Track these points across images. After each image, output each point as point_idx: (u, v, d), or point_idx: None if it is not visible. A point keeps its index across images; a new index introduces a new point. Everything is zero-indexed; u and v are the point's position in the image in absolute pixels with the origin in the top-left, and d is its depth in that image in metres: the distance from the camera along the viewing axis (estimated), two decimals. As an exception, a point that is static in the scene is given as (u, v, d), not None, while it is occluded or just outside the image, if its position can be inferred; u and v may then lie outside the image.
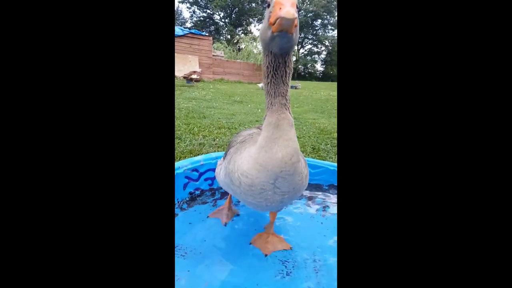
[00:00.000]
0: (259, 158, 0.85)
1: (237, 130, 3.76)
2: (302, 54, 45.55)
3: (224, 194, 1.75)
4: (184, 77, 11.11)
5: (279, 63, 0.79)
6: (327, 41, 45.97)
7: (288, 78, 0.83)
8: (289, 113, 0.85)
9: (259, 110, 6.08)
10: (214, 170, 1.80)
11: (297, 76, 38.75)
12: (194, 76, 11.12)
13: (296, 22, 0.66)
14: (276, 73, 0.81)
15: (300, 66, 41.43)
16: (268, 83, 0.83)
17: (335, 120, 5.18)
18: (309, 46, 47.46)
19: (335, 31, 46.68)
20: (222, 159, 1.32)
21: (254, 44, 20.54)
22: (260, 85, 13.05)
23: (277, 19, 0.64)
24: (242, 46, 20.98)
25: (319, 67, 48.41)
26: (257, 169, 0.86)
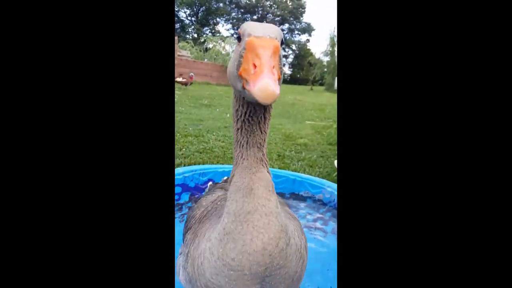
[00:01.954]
0: (226, 256, 0.57)
1: (205, 138, 3.74)
2: (270, 57, 46.53)
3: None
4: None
5: (256, 110, 0.59)
6: (294, 45, 47.82)
7: (267, 124, 0.62)
8: (268, 172, 0.63)
9: (228, 115, 6.11)
10: (181, 185, 1.81)
11: (265, 78, 39.56)
12: (179, 79, 10.34)
13: (279, 90, 0.44)
14: (250, 118, 0.60)
15: (268, 68, 42.30)
16: (239, 129, 0.61)
17: (300, 126, 5.49)
18: (277, 49, 48.67)
19: (302, 36, 48.89)
20: (182, 244, 0.89)
21: (222, 45, 20.36)
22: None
23: (249, 86, 0.46)
24: (210, 46, 20.60)
25: (286, 70, 50.09)
26: (226, 275, 0.57)
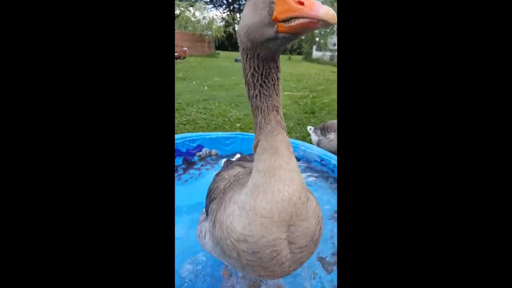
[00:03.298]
0: (257, 205, 0.63)
1: (186, 111, 3.82)
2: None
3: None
4: None
5: (270, 68, 0.61)
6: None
7: (280, 86, 0.65)
8: (286, 134, 0.67)
9: (206, 88, 6.07)
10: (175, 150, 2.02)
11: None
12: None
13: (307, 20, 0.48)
14: (266, 81, 0.62)
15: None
16: (257, 95, 0.64)
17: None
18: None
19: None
20: (203, 212, 1.01)
21: (191, 11, 18.73)
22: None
23: (299, 17, 0.48)
24: (177, 12, 18.73)
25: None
26: (258, 224, 0.63)
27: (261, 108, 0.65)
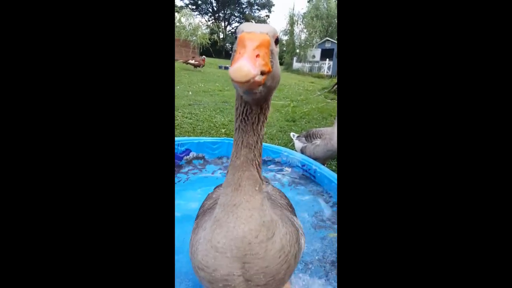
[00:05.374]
0: (213, 239, 0.66)
1: (171, 114, 3.84)
2: (230, 32, 44.71)
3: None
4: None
5: (251, 110, 0.62)
6: (253, 21, 46.57)
7: (261, 127, 0.65)
8: (257, 172, 0.67)
9: (190, 93, 6.10)
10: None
11: (225, 54, 38.17)
12: (192, 62, 10.13)
13: (261, 78, 0.47)
14: (246, 118, 0.63)
15: (228, 45, 40.75)
16: (237, 128, 0.65)
17: (261, 104, 5.88)
18: (236, 24, 46.93)
19: (262, 11, 47.70)
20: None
21: (177, 17, 18.70)
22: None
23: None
24: (162, 16, 18.57)
25: (245, 47, 48.83)
26: (213, 256, 0.66)
27: (236, 142, 0.66)
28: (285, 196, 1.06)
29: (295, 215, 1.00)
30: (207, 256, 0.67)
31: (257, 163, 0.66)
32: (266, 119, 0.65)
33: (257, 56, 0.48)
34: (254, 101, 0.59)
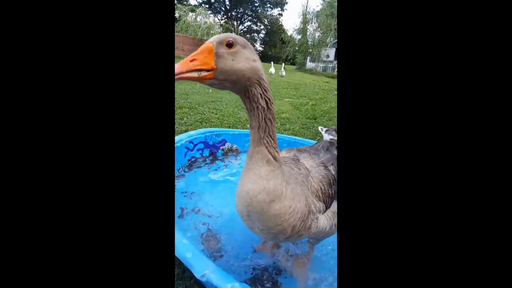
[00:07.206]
0: (238, 186, 0.88)
1: (197, 110, 4.03)
2: (242, 31, 44.92)
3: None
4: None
5: (242, 99, 0.78)
6: (266, 20, 46.53)
7: (259, 114, 0.77)
8: (266, 149, 0.81)
9: (210, 90, 6.29)
10: (203, 142, 2.24)
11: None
12: None
13: (200, 74, 0.67)
14: (244, 106, 0.80)
15: (239, 44, 40.81)
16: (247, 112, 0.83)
17: (280, 103, 5.99)
18: (248, 23, 47.10)
19: (274, 10, 47.61)
20: None
21: (193, 16, 19.04)
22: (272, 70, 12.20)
23: None
24: (176, 15, 18.95)
25: (258, 46, 48.98)
26: (237, 196, 0.90)
27: (251, 124, 0.81)
28: (329, 184, 1.10)
29: (323, 201, 1.07)
30: (236, 195, 0.91)
31: (266, 142, 0.81)
32: (263, 109, 0.77)
33: (192, 60, 0.66)
34: (233, 90, 0.75)
